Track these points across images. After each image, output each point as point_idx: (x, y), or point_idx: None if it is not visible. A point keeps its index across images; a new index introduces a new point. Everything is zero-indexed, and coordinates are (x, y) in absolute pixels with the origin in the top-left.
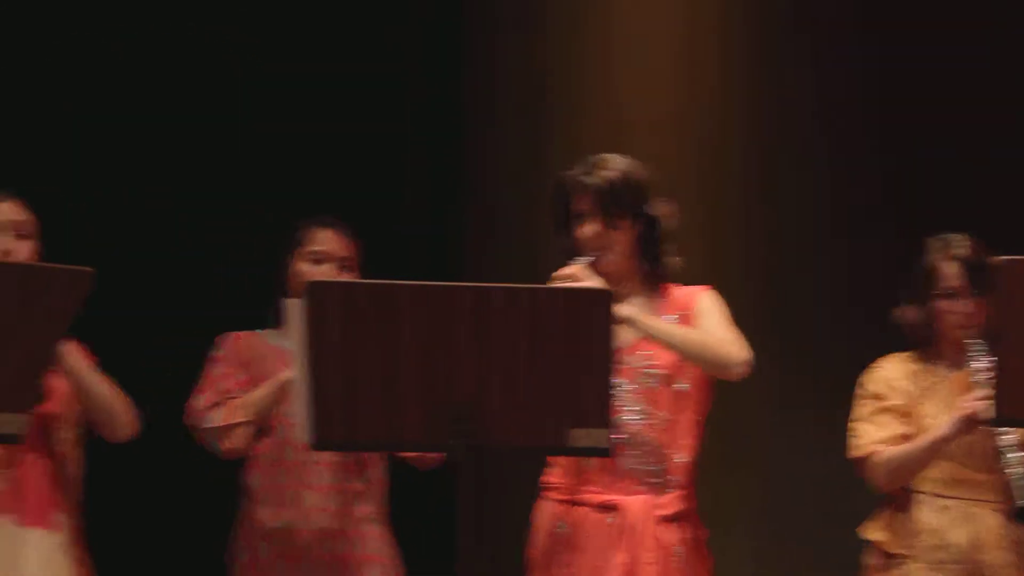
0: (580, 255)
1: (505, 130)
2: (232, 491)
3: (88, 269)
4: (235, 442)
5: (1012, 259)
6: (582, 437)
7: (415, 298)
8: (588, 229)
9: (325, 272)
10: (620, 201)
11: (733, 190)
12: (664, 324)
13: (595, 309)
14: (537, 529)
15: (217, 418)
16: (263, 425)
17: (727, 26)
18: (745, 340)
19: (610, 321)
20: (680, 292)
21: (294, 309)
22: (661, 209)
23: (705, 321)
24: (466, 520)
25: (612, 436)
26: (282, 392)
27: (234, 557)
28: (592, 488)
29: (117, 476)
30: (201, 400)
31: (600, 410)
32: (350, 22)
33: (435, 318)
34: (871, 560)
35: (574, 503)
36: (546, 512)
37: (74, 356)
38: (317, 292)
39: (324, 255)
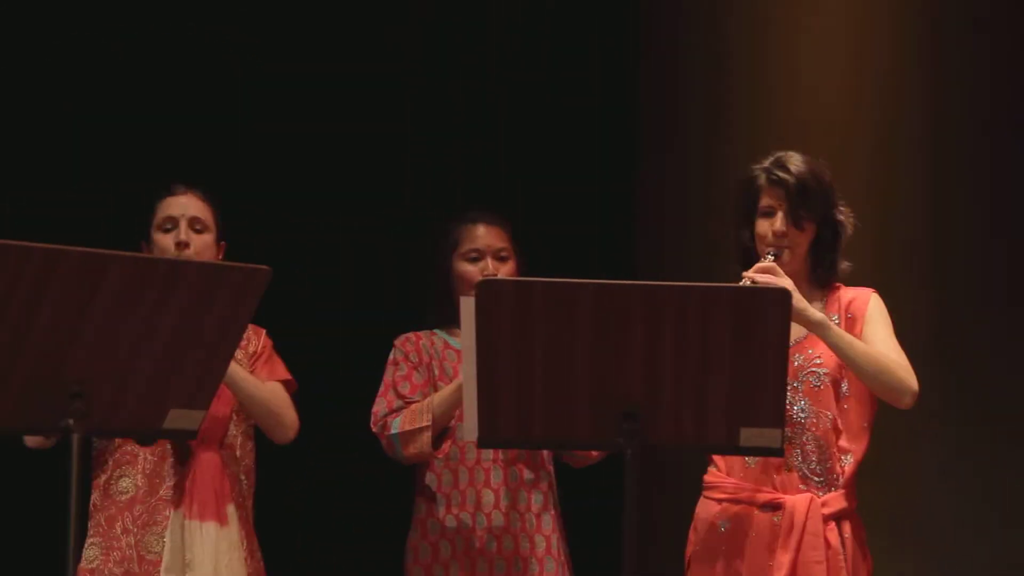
0: (758, 251)
1: (683, 128)
2: (407, 491)
3: (265, 267)
4: (418, 447)
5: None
6: (754, 437)
7: (587, 296)
8: (777, 225)
9: (484, 268)
10: (810, 202)
11: (900, 192)
12: (850, 338)
13: (772, 308)
14: (698, 528)
15: (399, 424)
16: (445, 427)
17: (900, 25)
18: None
19: (787, 321)
20: (846, 293)
21: (467, 307)
22: (844, 214)
23: (873, 333)
24: (631, 518)
25: (783, 436)
26: (462, 394)
27: (412, 557)
28: (755, 487)
29: (294, 474)
30: (383, 405)
31: (773, 410)
32: (350, 22)
33: (607, 316)
34: None
35: (737, 501)
36: (708, 511)
37: (233, 366)
38: (488, 290)
39: (481, 252)
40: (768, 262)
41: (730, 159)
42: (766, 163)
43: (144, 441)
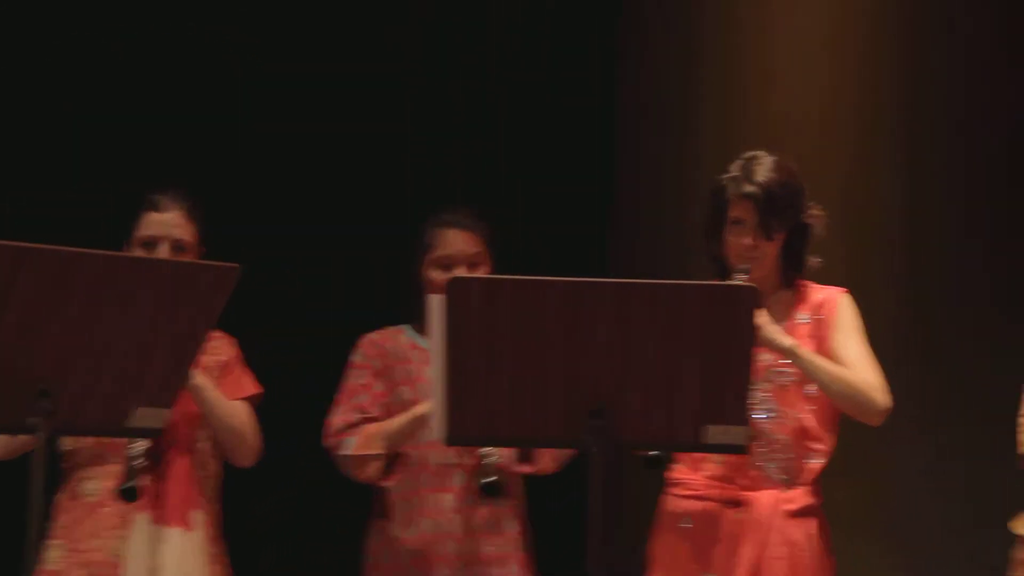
0: (728, 261)
1: (656, 127)
2: (365, 496)
3: (234, 265)
4: (369, 473)
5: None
6: (720, 434)
7: (555, 294)
8: (744, 239)
9: (461, 273)
10: (779, 212)
11: (876, 191)
12: (819, 360)
13: (739, 306)
14: (662, 524)
15: (352, 445)
16: (396, 454)
17: (876, 23)
18: (885, 380)
19: (752, 319)
20: (817, 292)
21: (436, 305)
22: (813, 216)
23: (844, 343)
24: (597, 516)
25: (749, 434)
26: (418, 424)
27: (371, 562)
28: (719, 484)
29: (252, 478)
30: (338, 418)
31: (738, 408)
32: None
33: (575, 313)
34: (1021, 555)
35: (701, 498)
36: (672, 507)
37: (202, 379)
38: (458, 288)
39: (452, 259)
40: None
41: (703, 158)
42: (734, 171)
43: (128, 497)
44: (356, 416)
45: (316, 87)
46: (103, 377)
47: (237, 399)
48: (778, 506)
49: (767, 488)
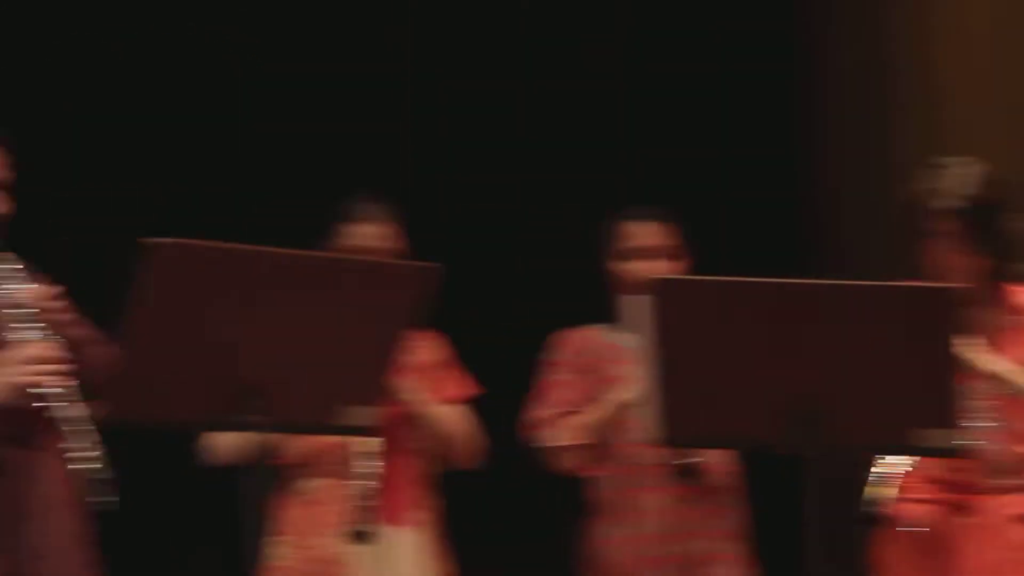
0: (930, 273)
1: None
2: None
3: (435, 264)
4: (572, 463)
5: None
6: (928, 437)
7: (765, 295)
8: (944, 254)
9: (658, 268)
10: (982, 226)
11: None
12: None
13: (940, 308)
14: (894, 529)
15: (553, 437)
16: (601, 443)
17: None
18: None
19: (951, 319)
20: (1016, 294)
21: (635, 306)
22: (1016, 226)
23: None
24: (813, 520)
25: (958, 437)
26: (618, 413)
27: (587, 563)
28: (944, 488)
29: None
30: (537, 412)
31: (945, 410)
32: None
33: (786, 315)
34: None
35: (929, 503)
36: (900, 512)
37: (411, 391)
38: (664, 289)
39: (650, 250)
40: None
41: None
42: (931, 179)
43: (363, 540)
44: (555, 410)
45: (316, 87)
46: (312, 375)
47: (451, 402)
48: (1005, 511)
49: (993, 493)
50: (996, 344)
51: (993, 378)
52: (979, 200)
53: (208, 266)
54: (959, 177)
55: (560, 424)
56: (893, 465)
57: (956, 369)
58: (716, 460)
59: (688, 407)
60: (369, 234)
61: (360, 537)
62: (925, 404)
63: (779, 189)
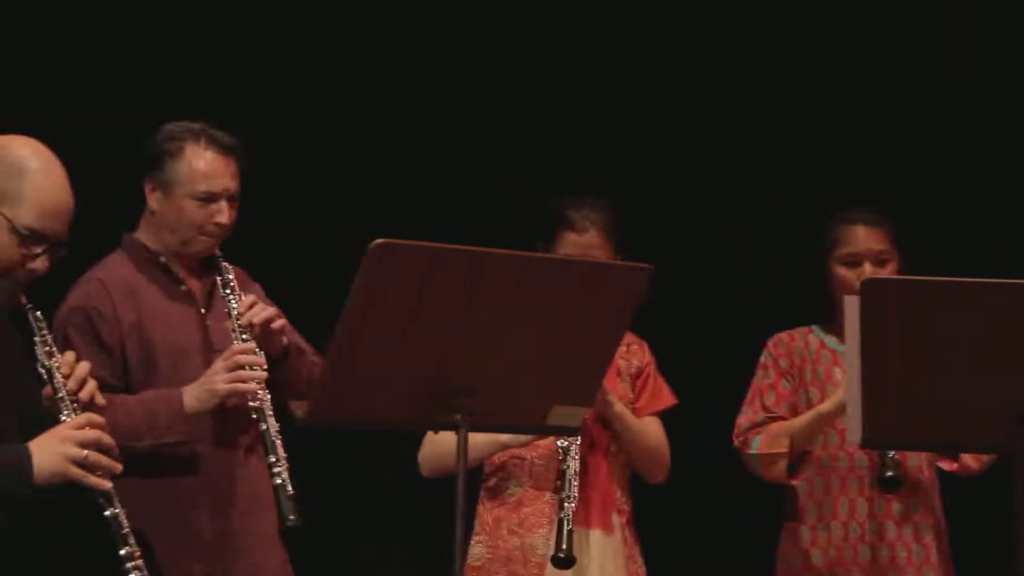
0: None
1: None
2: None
3: (646, 266)
4: (775, 473)
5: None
6: None
7: (978, 296)
8: None
9: (861, 275)
10: None
11: None
12: None
13: None
14: None
15: (759, 444)
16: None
17: None
18: None
19: None
20: None
21: (851, 307)
22: None
23: None
24: (1022, 525)
25: None
26: (824, 422)
27: (783, 565)
28: None
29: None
30: (747, 417)
31: None
32: None
33: (998, 316)
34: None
35: None
36: None
37: (620, 407)
38: (874, 290)
39: (860, 255)
40: None
41: None
42: None
43: (560, 564)
44: (762, 415)
45: None
46: (522, 375)
47: (653, 412)
48: None
49: None
50: None
51: None
52: None
53: (418, 265)
54: None
55: (765, 431)
56: None
57: None
58: (915, 464)
59: (893, 408)
60: (582, 243)
61: (563, 563)
62: None
63: None
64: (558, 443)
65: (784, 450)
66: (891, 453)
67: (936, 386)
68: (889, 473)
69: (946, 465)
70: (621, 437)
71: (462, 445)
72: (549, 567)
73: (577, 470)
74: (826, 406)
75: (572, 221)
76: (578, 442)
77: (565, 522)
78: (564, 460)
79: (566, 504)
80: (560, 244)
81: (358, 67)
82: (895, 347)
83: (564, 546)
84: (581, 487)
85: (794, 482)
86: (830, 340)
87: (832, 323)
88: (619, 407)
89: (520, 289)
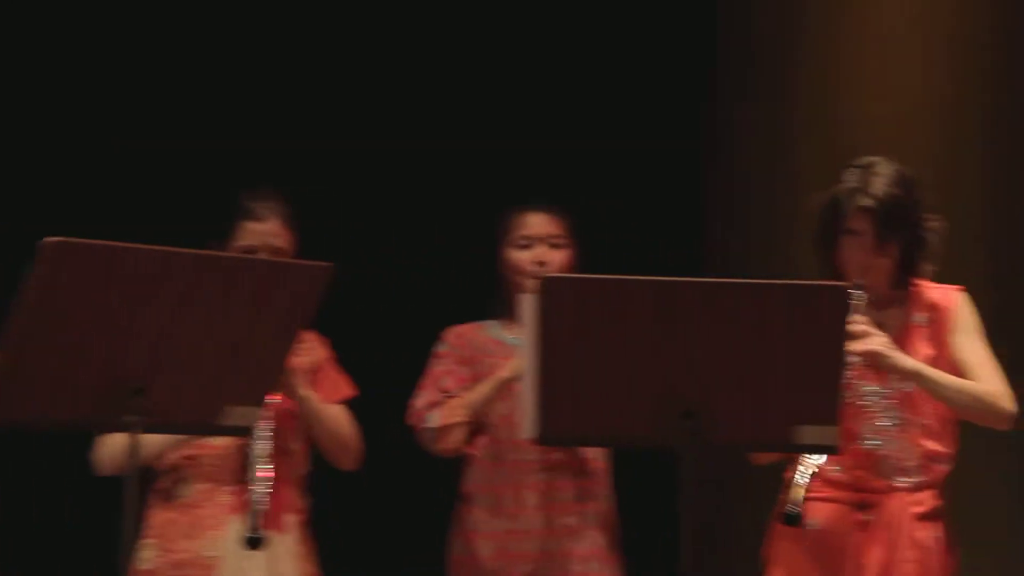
0: (844, 271)
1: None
2: (451, 493)
3: (326, 264)
4: (451, 442)
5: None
6: (811, 435)
7: (647, 294)
8: (860, 252)
9: (535, 256)
10: (896, 226)
11: (970, 187)
12: (944, 379)
13: (828, 305)
14: (780, 527)
15: (436, 419)
16: (481, 423)
17: (963, 23)
18: (1007, 384)
19: (843, 318)
20: (931, 291)
21: (527, 304)
22: (931, 226)
23: (966, 347)
24: (688, 518)
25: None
26: (500, 390)
27: (453, 556)
28: (845, 486)
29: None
30: (423, 399)
31: (829, 407)
32: None
33: (667, 314)
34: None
35: (826, 500)
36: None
37: (307, 390)
38: (550, 287)
39: (533, 239)
40: (859, 325)
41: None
42: (851, 182)
43: (254, 545)
44: (440, 396)
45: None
46: (195, 375)
47: (334, 402)
48: (906, 509)
49: (894, 491)
50: (906, 341)
51: (902, 375)
52: (893, 198)
53: (92, 264)
54: (874, 176)
55: (448, 405)
56: (811, 465)
57: (844, 366)
58: (590, 458)
59: (565, 404)
60: (261, 231)
61: (254, 543)
62: (811, 402)
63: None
64: None
65: (462, 419)
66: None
67: (608, 383)
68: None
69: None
70: (308, 422)
71: (134, 447)
72: (222, 568)
73: (268, 452)
74: (504, 372)
75: (251, 210)
76: (266, 426)
77: (254, 503)
78: (250, 443)
79: (253, 486)
80: (239, 234)
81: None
82: (569, 344)
83: (253, 525)
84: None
85: (472, 451)
86: (504, 335)
87: (507, 318)
88: (304, 390)
89: (197, 288)
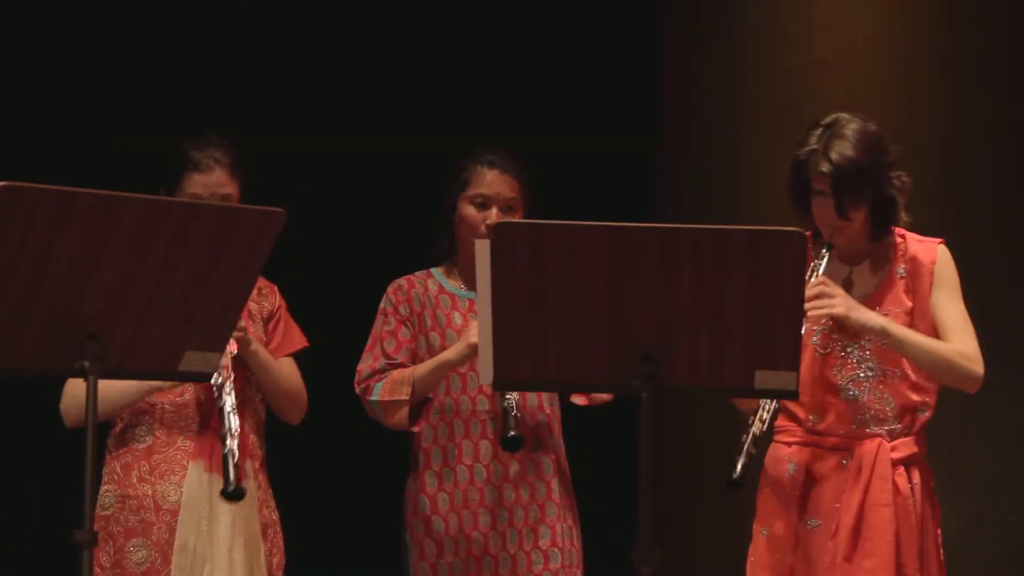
0: (815, 230)
1: (701, 71)
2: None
3: (280, 210)
4: (396, 420)
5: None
6: (769, 379)
7: (603, 239)
8: (828, 212)
9: (487, 219)
10: (856, 189)
11: (922, 138)
12: (912, 337)
13: (787, 251)
14: (768, 470)
15: (380, 391)
16: (426, 397)
17: None
18: (977, 346)
19: (802, 264)
20: (913, 244)
21: (482, 250)
22: (900, 183)
23: (944, 303)
24: (646, 461)
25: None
26: (443, 370)
27: (411, 509)
28: (824, 432)
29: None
30: (368, 364)
31: (788, 352)
32: None
33: (623, 259)
34: None
35: (806, 444)
36: (777, 454)
37: (257, 344)
38: (504, 233)
39: (489, 199)
40: (818, 285)
41: (745, 106)
42: (813, 144)
43: (235, 498)
44: (383, 362)
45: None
46: (152, 321)
47: (286, 354)
48: (882, 454)
49: (871, 437)
50: (886, 293)
51: (868, 333)
52: (852, 163)
53: (44, 209)
54: (835, 139)
55: (391, 378)
56: (760, 427)
57: (803, 312)
58: (535, 404)
59: (522, 349)
60: (207, 182)
61: (233, 496)
62: (770, 347)
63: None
64: (213, 382)
65: (405, 397)
66: (513, 412)
67: (565, 327)
68: (512, 433)
69: (580, 400)
70: (257, 376)
71: (91, 392)
72: (183, 515)
73: (235, 404)
74: (449, 355)
75: (196, 161)
76: (231, 378)
77: (230, 456)
78: (220, 397)
79: (228, 440)
80: (185, 184)
81: None
82: (525, 289)
83: (231, 478)
84: (210, 431)
85: (415, 429)
86: (449, 284)
87: (452, 266)
88: (255, 345)
89: (151, 234)
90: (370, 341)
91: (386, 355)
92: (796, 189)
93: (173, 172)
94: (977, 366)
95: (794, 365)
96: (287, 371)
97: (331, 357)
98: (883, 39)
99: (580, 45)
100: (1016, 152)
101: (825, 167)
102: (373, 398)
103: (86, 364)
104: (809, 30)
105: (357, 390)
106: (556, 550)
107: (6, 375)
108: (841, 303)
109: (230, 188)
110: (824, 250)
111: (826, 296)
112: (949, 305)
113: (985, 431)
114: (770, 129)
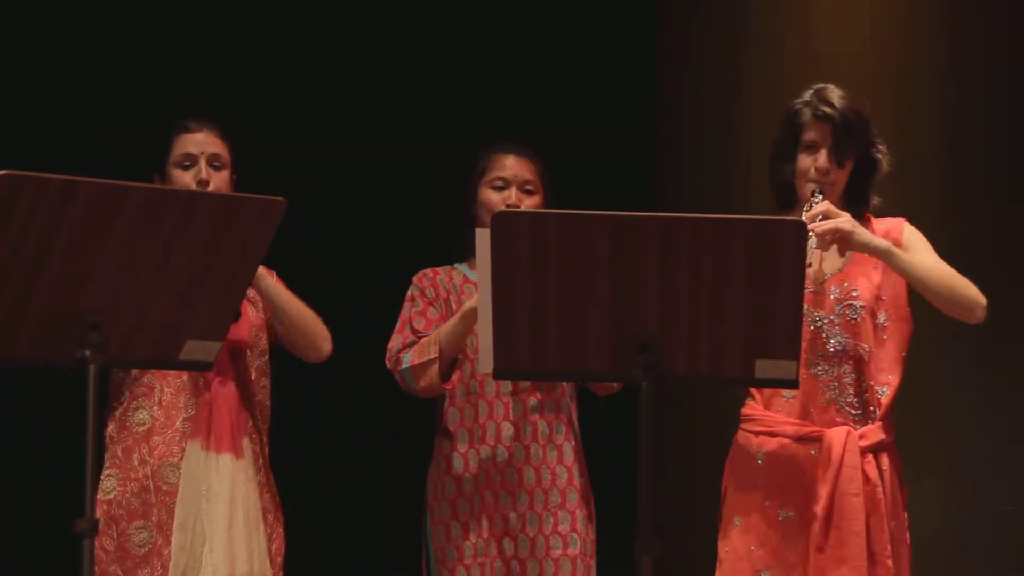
0: (798, 187)
1: (701, 59)
2: (427, 427)
3: (280, 199)
4: (428, 380)
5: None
6: (769, 368)
7: (603, 228)
8: (821, 161)
9: (507, 198)
10: (853, 138)
11: (920, 133)
12: (918, 259)
13: (788, 240)
14: (735, 460)
15: (410, 358)
16: (456, 358)
17: None
18: None
19: (803, 253)
20: (879, 224)
21: (482, 239)
22: (880, 151)
23: (923, 258)
24: (647, 449)
25: (799, 367)
26: (470, 322)
27: (433, 492)
28: (792, 420)
29: (315, 411)
30: (398, 341)
31: (788, 342)
32: None
33: (623, 248)
34: None
35: (774, 434)
36: (745, 443)
37: (270, 280)
38: (504, 222)
39: (507, 181)
40: (821, 202)
41: (745, 106)
42: (808, 96)
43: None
44: (412, 338)
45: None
46: (152, 309)
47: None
48: (851, 442)
49: (840, 424)
50: (857, 268)
51: (872, 253)
52: (850, 110)
53: (45, 197)
54: (829, 92)
55: (419, 344)
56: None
57: (802, 300)
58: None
59: (522, 338)
60: (197, 141)
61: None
62: (770, 336)
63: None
64: None
65: (434, 356)
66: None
67: (566, 317)
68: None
69: (597, 390)
70: (276, 313)
71: (92, 382)
72: (181, 494)
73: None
74: (469, 304)
75: (186, 124)
76: None
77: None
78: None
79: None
80: (177, 147)
81: None
82: (526, 278)
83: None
84: (212, 414)
85: (447, 386)
86: (473, 275)
87: (475, 259)
88: (268, 280)
89: (152, 223)
90: (399, 323)
91: (415, 332)
92: (784, 144)
93: (164, 145)
94: (980, 295)
95: (794, 354)
96: (304, 306)
97: (331, 357)
98: (883, 38)
99: (579, 45)
100: (1016, 152)
101: (825, 110)
102: (404, 366)
103: (87, 353)
104: (809, 30)
105: (388, 365)
106: (575, 536)
107: (7, 364)
108: (847, 221)
109: (221, 149)
110: (814, 194)
111: (832, 215)
112: (929, 258)
113: (981, 424)
114: (770, 129)
